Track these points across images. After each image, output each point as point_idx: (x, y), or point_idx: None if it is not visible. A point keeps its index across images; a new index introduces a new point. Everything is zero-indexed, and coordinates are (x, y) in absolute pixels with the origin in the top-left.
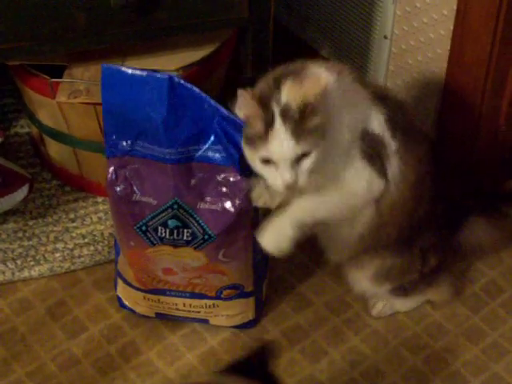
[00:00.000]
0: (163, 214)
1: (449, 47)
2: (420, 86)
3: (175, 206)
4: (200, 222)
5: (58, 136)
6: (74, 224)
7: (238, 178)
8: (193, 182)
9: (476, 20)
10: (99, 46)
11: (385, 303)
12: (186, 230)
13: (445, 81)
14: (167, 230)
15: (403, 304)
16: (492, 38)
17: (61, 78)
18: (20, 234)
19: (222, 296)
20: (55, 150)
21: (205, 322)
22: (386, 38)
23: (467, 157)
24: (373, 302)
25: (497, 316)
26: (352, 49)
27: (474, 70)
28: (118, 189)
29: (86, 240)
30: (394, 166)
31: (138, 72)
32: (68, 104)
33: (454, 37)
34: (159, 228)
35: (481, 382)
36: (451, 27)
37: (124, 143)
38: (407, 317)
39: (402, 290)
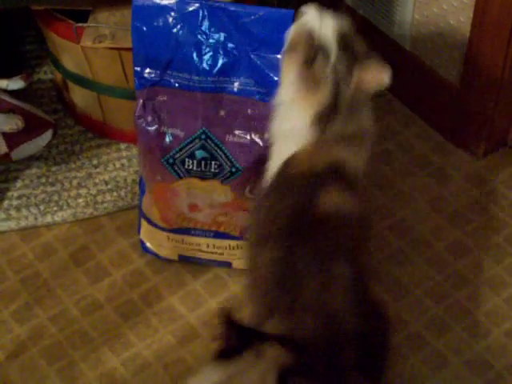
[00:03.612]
0: (191, 145)
1: None
2: (446, 35)
3: (203, 137)
4: (228, 154)
5: (81, 82)
6: (97, 170)
7: (268, 112)
8: (222, 113)
9: None
10: None
11: None
12: (213, 162)
13: (470, 30)
14: (194, 162)
15: None
16: None
17: (86, 22)
18: (43, 180)
19: None
20: (79, 96)
21: (227, 265)
22: None
23: (492, 105)
24: None
25: None
26: None
27: (500, 20)
28: (146, 121)
29: (109, 186)
30: None
31: (167, 0)
32: (93, 49)
33: None
34: (186, 160)
35: (503, 332)
36: None
37: (153, 73)
38: (429, 266)
39: None
